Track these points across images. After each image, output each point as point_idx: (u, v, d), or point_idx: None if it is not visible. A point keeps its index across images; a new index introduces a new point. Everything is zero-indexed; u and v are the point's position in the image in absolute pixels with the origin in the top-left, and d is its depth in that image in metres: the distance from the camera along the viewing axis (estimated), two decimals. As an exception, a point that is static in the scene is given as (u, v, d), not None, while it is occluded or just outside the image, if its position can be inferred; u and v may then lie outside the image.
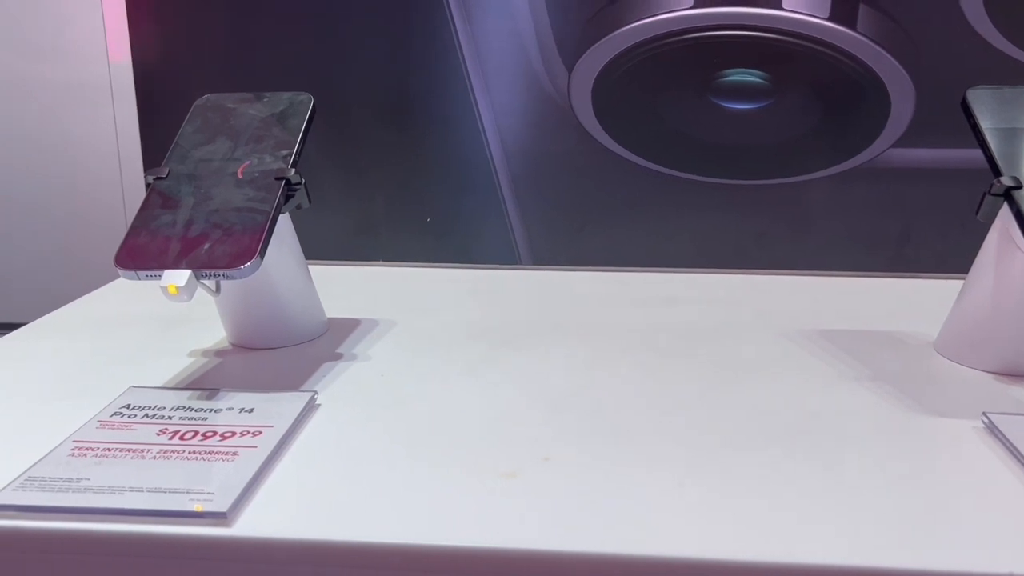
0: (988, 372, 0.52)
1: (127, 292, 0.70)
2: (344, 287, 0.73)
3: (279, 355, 0.56)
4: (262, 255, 0.47)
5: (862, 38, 0.70)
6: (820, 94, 0.73)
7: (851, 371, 0.53)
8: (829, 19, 0.70)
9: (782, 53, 0.72)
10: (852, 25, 0.70)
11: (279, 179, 0.51)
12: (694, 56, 0.72)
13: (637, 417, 0.47)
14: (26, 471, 0.40)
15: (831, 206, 0.75)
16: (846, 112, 0.73)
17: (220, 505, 0.36)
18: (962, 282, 0.55)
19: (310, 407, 0.47)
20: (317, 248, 0.79)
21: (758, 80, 0.73)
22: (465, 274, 0.77)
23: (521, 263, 0.79)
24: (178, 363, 0.55)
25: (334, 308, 0.65)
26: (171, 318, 0.63)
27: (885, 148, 0.73)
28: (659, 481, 0.40)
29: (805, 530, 0.36)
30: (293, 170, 0.52)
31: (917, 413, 0.47)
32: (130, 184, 0.88)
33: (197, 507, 0.37)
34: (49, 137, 0.88)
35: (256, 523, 0.36)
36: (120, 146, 0.87)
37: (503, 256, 0.79)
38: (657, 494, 0.39)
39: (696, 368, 0.54)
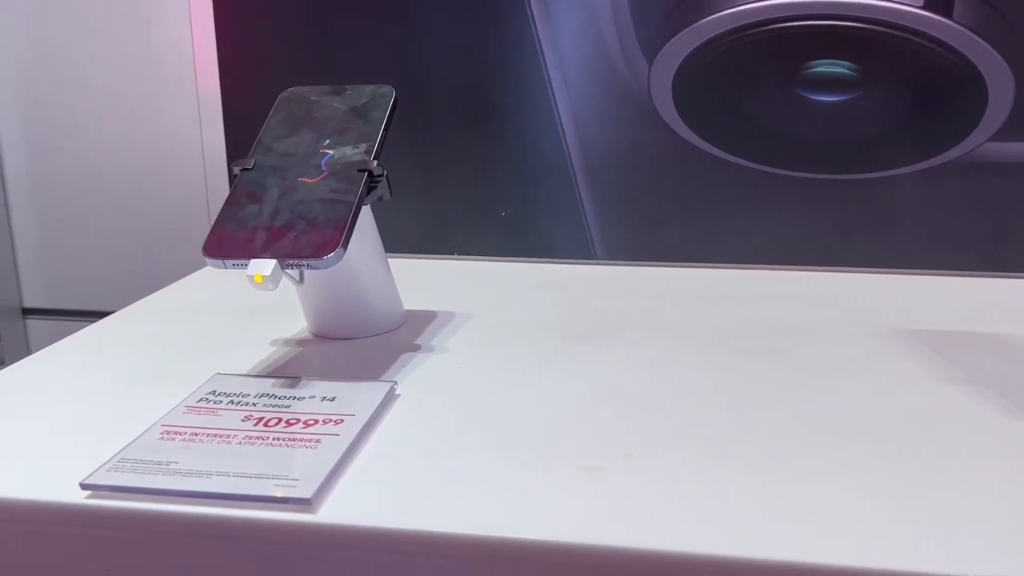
0: (1095, 377, 0.50)
1: (210, 282, 0.72)
2: (421, 280, 0.73)
3: (358, 345, 0.57)
4: (345, 246, 0.47)
5: (959, 27, 0.67)
6: (912, 85, 0.70)
7: (944, 373, 0.51)
8: (923, 7, 0.67)
9: (872, 43, 0.69)
10: (948, 13, 0.67)
11: (362, 171, 0.51)
12: (779, 47, 0.70)
13: (719, 416, 0.46)
14: (118, 453, 0.41)
15: (922, 202, 0.73)
16: (940, 104, 0.70)
17: (304, 492, 0.37)
18: (1066, 282, 0.52)
19: (390, 397, 0.48)
20: (393, 242, 0.79)
21: (846, 71, 0.70)
22: (540, 268, 0.77)
23: (597, 258, 0.79)
24: (260, 351, 0.56)
25: (411, 300, 0.65)
26: (253, 307, 0.64)
27: (981, 142, 0.70)
28: (745, 482, 0.39)
29: (895, 535, 0.34)
30: (375, 162, 0.52)
31: (1017, 418, 0.45)
32: (213, 177, 0.90)
33: (280, 493, 0.37)
34: (136, 133, 0.91)
35: (339, 510, 0.37)
36: (204, 139, 0.89)
37: (578, 251, 0.79)
38: (743, 495, 0.38)
39: (779, 368, 0.52)
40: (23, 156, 0.94)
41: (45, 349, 0.57)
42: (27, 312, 1.00)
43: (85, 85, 0.91)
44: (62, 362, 0.55)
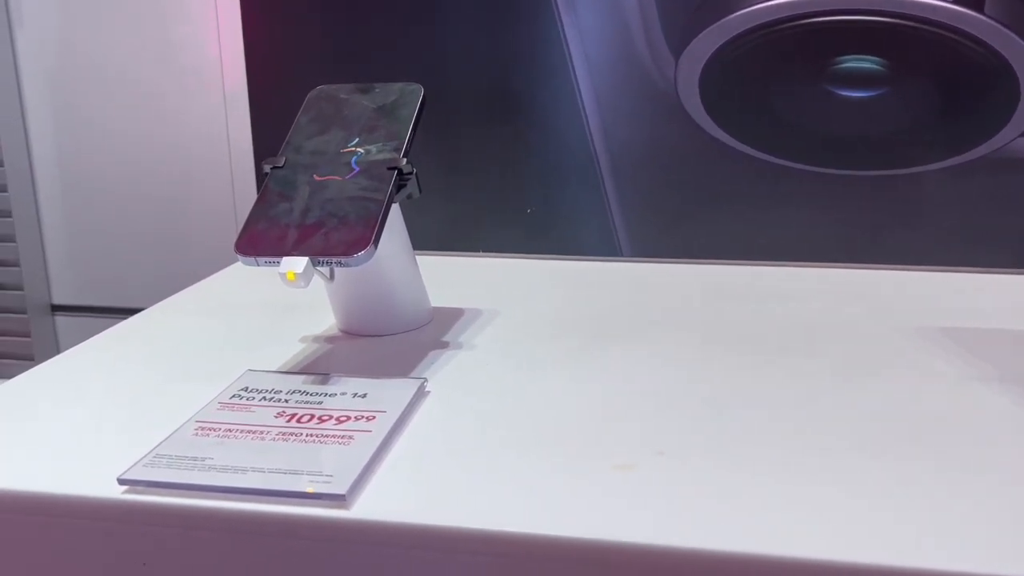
0: None
1: (237, 279, 0.73)
2: (447, 277, 0.73)
3: (387, 342, 0.57)
4: (376, 244, 0.47)
5: (990, 21, 0.67)
6: (942, 81, 0.69)
7: (976, 372, 0.51)
8: (954, 2, 0.67)
9: (902, 38, 0.68)
10: (979, 7, 0.67)
11: (391, 169, 0.52)
12: (808, 42, 0.70)
13: (753, 415, 0.45)
14: (154, 448, 0.41)
15: (952, 199, 0.72)
16: (970, 99, 0.69)
17: (339, 487, 0.37)
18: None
19: (420, 394, 0.48)
20: (420, 239, 0.80)
21: (875, 67, 0.70)
22: (566, 266, 0.77)
23: (623, 255, 0.79)
24: (290, 348, 0.56)
25: (438, 297, 0.65)
26: (281, 304, 0.65)
27: (1013, 137, 0.69)
28: (777, 482, 0.39)
29: (924, 535, 0.34)
30: (405, 160, 0.52)
31: (1054, 417, 0.44)
32: (239, 176, 0.91)
33: (315, 489, 0.37)
34: (163, 133, 0.92)
35: (373, 506, 0.37)
36: (231, 140, 0.90)
37: (604, 248, 0.79)
38: (775, 495, 0.37)
39: (810, 366, 0.52)
40: (53, 157, 0.95)
41: (78, 346, 0.58)
42: (56, 309, 1.01)
43: (113, 86, 0.91)
44: (94, 359, 0.56)
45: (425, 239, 0.80)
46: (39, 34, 0.92)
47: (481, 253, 0.81)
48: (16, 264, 0.97)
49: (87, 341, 0.59)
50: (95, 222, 0.96)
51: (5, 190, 0.95)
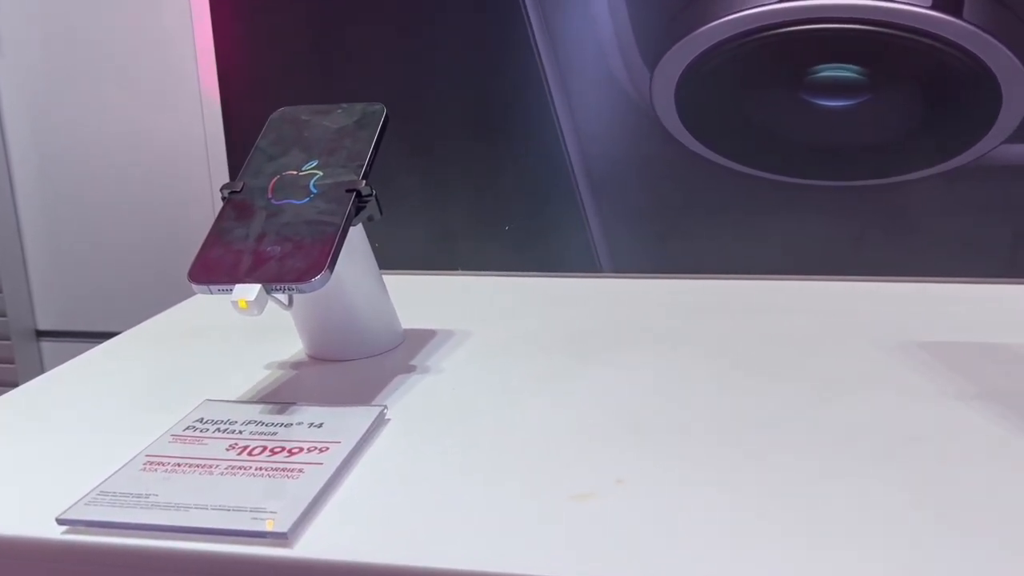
0: (1115, 390, 0.48)
1: (210, 303, 0.72)
2: (422, 297, 0.72)
3: (354, 367, 0.56)
4: (331, 268, 0.46)
5: (969, 26, 0.65)
6: (922, 88, 0.68)
7: (957, 388, 0.49)
8: (932, 8, 0.65)
9: (880, 45, 0.67)
10: (958, 13, 0.65)
11: (350, 191, 0.50)
12: (783, 52, 0.69)
13: (721, 437, 0.44)
14: (98, 485, 0.40)
15: (935, 208, 0.70)
16: (951, 107, 0.68)
17: (281, 525, 0.36)
18: (1084, 290, 0.50)
19: (379, 422, 0.46)
20: (396, 258, 0.79)
21: (854, 75, 0.69)
22: (544, 283, 0.75)
23: (602, 271, 0.77)
24: (255, 375, 0.55)
25: (411, 318, 0.64)
26: (252, 329, 0.64)
27: (995, 145, 0.68)
28: (743, 510, 0.37)
29: (904, 566, 0.33)
30: (364, 182, 0.51)
31: (1032, 436, 0.43)
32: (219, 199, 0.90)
33: (267, 524, 0.36)
34: (146, 158, 0.91)
35: (317, 545, 0.36)
36: (210, 161, 0.89)
37: (583, 264, 0.77)
38: (740, 525, 0.36)
39: (786, 384, 0.51)
40: (34, 181, 0.95)
41: (39, 377, 0.57)
42: (42, 335, 1.00)
43: (94, 112, 0.91)
44: (56, 390, 0.54)
45: (400, 258, 0.79)
46: (19, 62, 0.91)
47: (458, 271, 0.80)
48: (-2, 290, 0.97)
49: (46, 373, 0.58)
50: (79, 246, 0.96)
51: (-14, 216, 0.95)
